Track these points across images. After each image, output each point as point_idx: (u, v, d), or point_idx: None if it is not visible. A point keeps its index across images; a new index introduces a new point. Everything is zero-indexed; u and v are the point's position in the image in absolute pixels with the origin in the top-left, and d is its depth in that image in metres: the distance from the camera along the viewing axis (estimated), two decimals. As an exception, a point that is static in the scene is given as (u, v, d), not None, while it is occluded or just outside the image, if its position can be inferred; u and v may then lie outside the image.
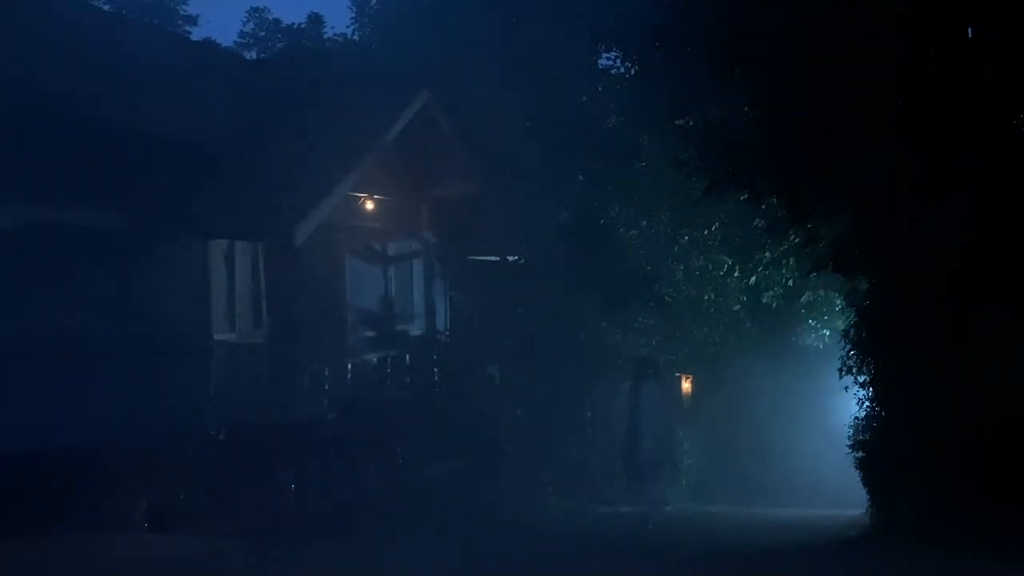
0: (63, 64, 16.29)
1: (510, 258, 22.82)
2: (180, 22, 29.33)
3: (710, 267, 22.05)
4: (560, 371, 21.11)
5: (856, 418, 16.19)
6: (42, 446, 13.11)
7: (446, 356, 21.46)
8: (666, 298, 22.23)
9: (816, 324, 21.79)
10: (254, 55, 29.96)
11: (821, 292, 20.35)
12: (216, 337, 16.15)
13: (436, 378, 21.03)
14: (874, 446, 15.26)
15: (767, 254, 19.79)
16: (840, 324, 18.98)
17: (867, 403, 15.70)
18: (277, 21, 31.00)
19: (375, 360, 19.95)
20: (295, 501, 16.01)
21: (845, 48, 13.07)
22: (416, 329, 21.99)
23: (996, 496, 12.08)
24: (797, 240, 17.08)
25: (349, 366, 19.03)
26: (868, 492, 15.75)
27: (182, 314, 15.57)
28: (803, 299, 21.03)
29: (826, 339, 21.48)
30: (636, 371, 22.75)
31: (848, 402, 16.69)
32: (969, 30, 13.17)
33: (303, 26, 30.55)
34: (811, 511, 21.18)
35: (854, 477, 16.45)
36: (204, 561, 12.22)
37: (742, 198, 16.74)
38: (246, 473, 15.30)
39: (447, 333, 22.47)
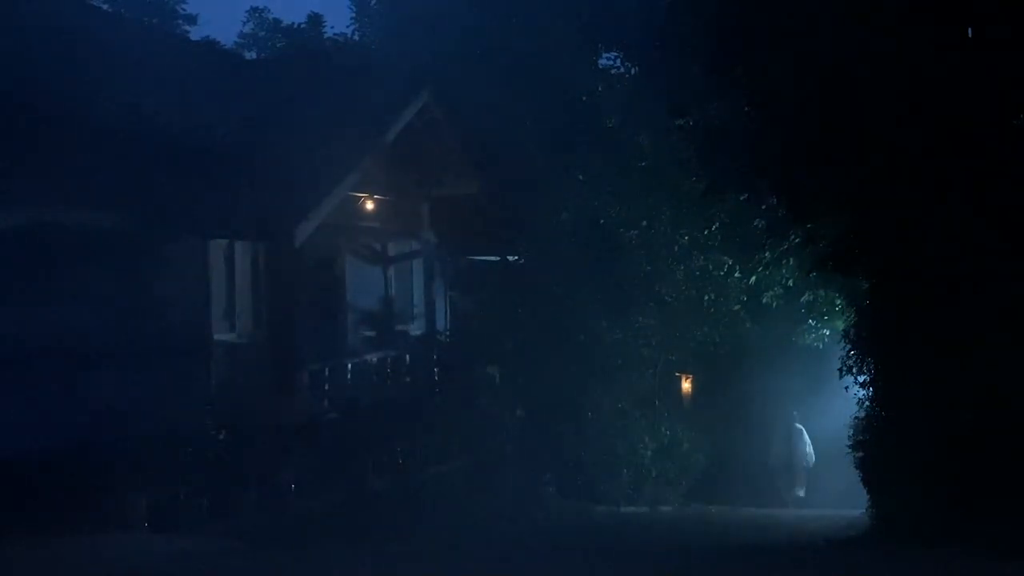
0: (63, 64, 16.29)
1: (510, 258, 22.79)
2: (180, 22, 29.33)
3: (710, 267, 22.01)
4: (560, 371, 21.07)
5: (856, 418, 16.19)
6: (41, 446, 13.12)
7: (446, 356, 21.44)
8: (666, 298, 22.19)
9: (816, 324, 21.77)
10: (254, 55, 29.96)
11: (821, 292, 20.34)
12: (216, 337, 16.14)
13: (436, 378, 21.02)
14: (874, 446, 15.25)
15: (767, 254, 19.79)
16: (840, 324, 19.00)
17: (867, 403, 15.70)
18: (277, 21, 30.98)
19: (375, 360, 19.95)
20: (295, 501, 15.99)
21: (845, 47, 13.08)
22: (416, 329, 21.99)
23: (996, 496, 12.09)
24: (797, 240, 17.12)
25: (349, 366, 19.03)
26: (868, 492, 15.74)
27: (182, 314, 15.57)
28: (803, 299, 21.01)
29: (826, 339, 21.47)
30: (635, 370, 22.70)
31: (848, 402, 16.69)
32: (969, 30, 13.18)
33: (303, 26, 30.52)
34: (811, 511, 21.20)
35: (854, 477, 16.45)
36: (204, 561, 12.21)
37: (742, 198, 16.78)
38: (246, 473, 15.29)
39: (447, 333, 22.46)
